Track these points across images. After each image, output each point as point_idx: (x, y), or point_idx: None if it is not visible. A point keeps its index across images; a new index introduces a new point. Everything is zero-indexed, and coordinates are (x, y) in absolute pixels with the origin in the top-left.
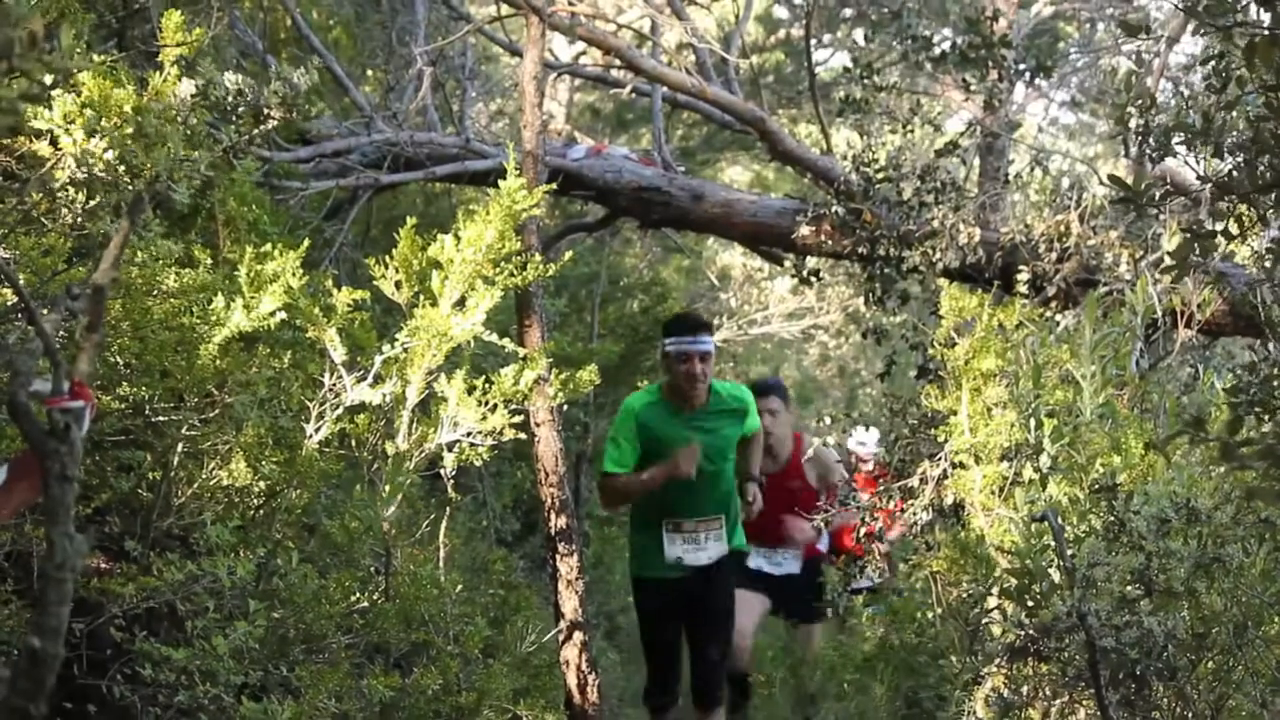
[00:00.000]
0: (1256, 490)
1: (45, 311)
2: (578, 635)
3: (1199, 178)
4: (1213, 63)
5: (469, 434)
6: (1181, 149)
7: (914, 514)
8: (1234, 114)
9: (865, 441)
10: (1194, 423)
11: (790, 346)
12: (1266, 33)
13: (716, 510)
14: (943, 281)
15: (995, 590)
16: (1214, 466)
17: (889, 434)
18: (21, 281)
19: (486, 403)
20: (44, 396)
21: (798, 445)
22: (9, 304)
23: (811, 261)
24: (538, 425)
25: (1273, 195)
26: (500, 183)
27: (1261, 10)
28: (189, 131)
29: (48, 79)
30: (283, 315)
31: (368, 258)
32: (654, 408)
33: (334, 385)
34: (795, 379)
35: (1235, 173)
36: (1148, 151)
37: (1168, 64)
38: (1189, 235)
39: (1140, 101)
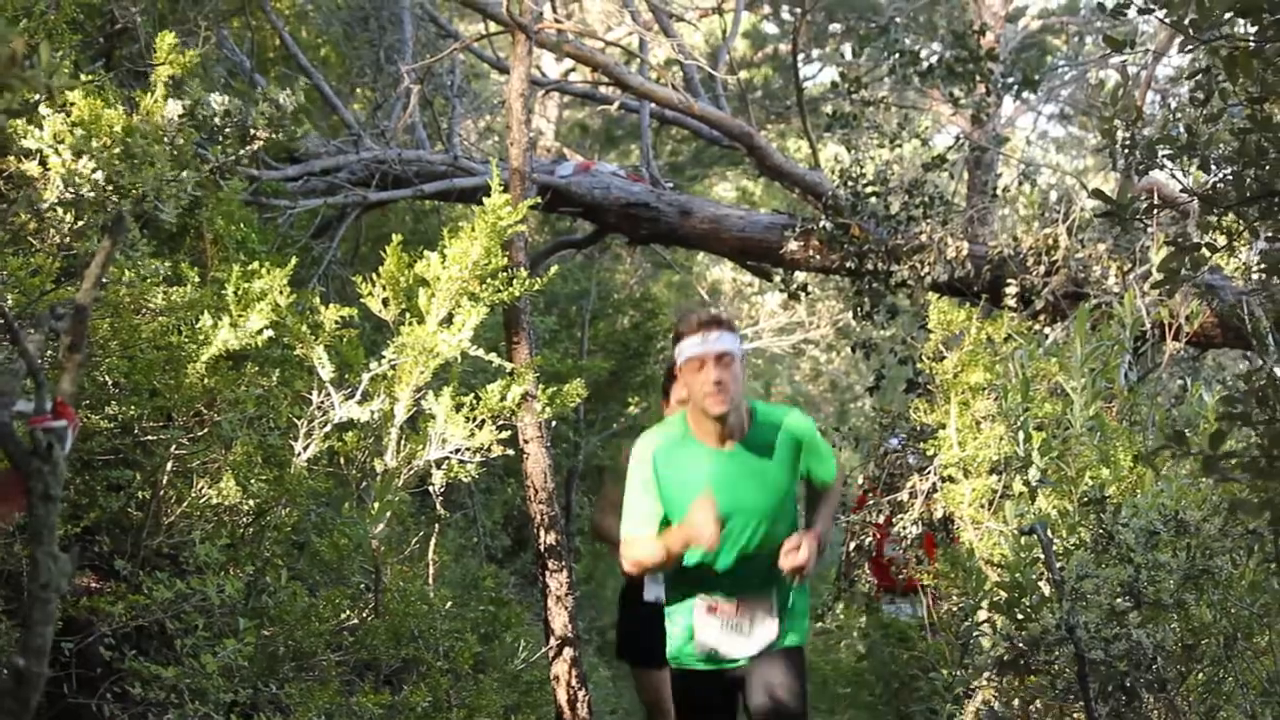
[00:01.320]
0: (1240, 502)
1: (30, 331)
2: (568, 651)
3: (1185, 190)
4: (1198, 76)
5: (457, 451)
6: (1168, 161)
7: (903, 528)
8: (1219, 126)
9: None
10: (1176, 436)
11: (781, 361)
12: (1249, 44)
13: (764, 586)
14: (931, 295)
15: (985, 603)
16: (1202, 479)
17: (878, 448)
18: (10, 301)
19: (474, 419)
20: (27, 416)
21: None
22: None
23: (800, 276)
24: (526, 442)
25: (1259, 207)
26: (485, 200)
27: (1248, 24)
28: (176, 151)
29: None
30: (271, 333)
31: (356, 275)
32: (675, 445)
33: (322, 403)
34: (787, 394)
35: (1222, 185)
36: (1134, 164)
37: (1155, 77)
38: (1176, 248)
39: (1127, 115)
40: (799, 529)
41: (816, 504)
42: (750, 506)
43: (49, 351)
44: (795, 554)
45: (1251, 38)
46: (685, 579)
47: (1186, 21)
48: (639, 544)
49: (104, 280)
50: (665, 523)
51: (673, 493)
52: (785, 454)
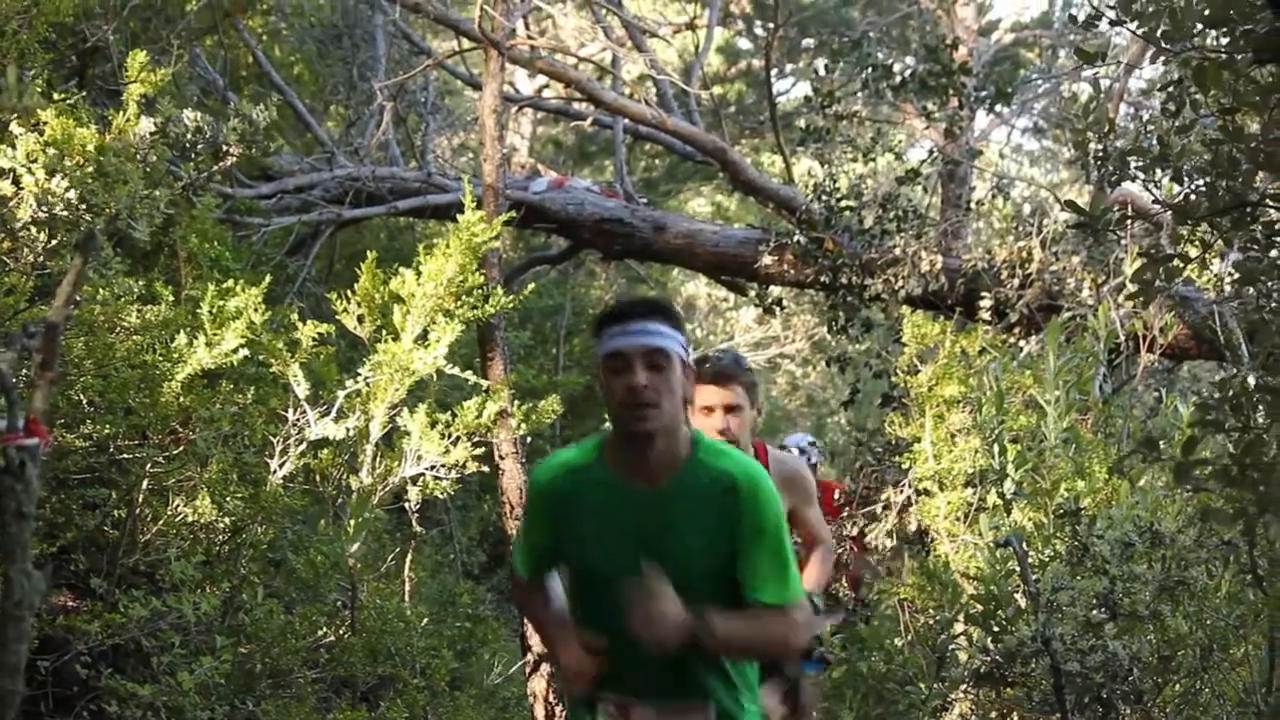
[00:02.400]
0: (1213, 511)
1: (2, 350)
2: (545, 667)
3: (1156, 201)
4: (1170, 88)
5: (433, 467)
6: (1140, 173)
7: (878, 540)
8: (1191, 138)
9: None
10: (1147, 443)
11: (757, 376)
12: (1220, 56)
13: (699, 687)
14: (905, 309)
15: (961, 616)
16: (1176, 490)
17: (854, 462)
18: None
19: (450, 436)
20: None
21: (761, 459)
22: None
23: (775, 291)
24: (502, 458)
25: (1231, 218)
26: (460, 216)
27: (1219, 36)
28: (149, 169)
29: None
30: (246, 351)
31: (331, 293)
32: (582, 478)
33: (298, 420)
34: (764, 408)
35: (1194, 196)
36: (1107, 176)
37: (1128, 90)
38: (1149, 259)
39: (1099, 127)
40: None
41: (744, 619)
42: (673, 576)
43: (21, 370)
44: (654, 612)
45: (1222, 49)
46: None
47: (1158, 33)
48: (521, 596)
49: (77, 298)
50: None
51: (572, 544)
52: (715, 522)
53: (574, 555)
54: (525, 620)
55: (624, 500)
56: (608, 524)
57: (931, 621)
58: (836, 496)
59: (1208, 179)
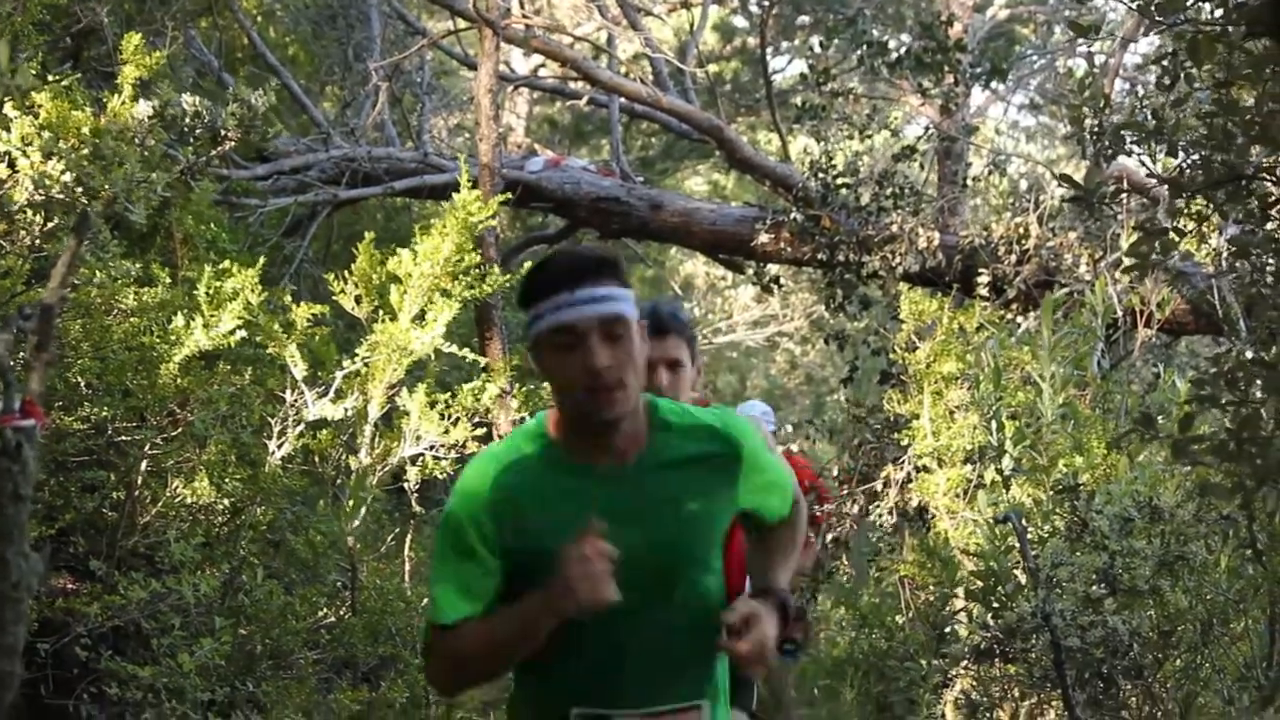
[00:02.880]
0: (1211, 486)
1: None
2: None
3: (1151, 175)
4: (1164, 61)
5: (432, 447)
6: (1135, 147)
7: (879, 517)
8: (1185, 111)
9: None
10: (1144, 420)
11: (757, 355)
12: (1215, 29)
13: (692, 685)
14: (903, 286)
15: (961, 592)
16: (1175, 465)
17: (853, 439)
18: None
19: (449, 416)
20: None
21: None
22: None
23: (772, 269)
24: (500, 438)
25: (1226, 191)
26: (456, 196)
27: (1214, 9)
28: (145, 152)
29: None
30: (243, 333)
31: (328, 273)
32: (533, 469)
33: (295, 401)
34: (763, 387)
35: (1189, 170)
36: (1102, 151)
37: (1123, 65)
38: (1144, 232)
39: (1094, 102)
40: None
41: (767, 551)
42: (660, 558)
43: (18, 352)
44: (749, 632)
45: (1216, 22)
46: (551, 683)
47: (1152, 7)
48: (453, 646)
49: (73, 281)
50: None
51: (532, 556)
52: (710, 477)
53: (537, 569)
54: (460, 676)
55: (593, 485)
56: (578, 515)
57: (931, 598)
58: (812, 484)
59: (1202, 153)
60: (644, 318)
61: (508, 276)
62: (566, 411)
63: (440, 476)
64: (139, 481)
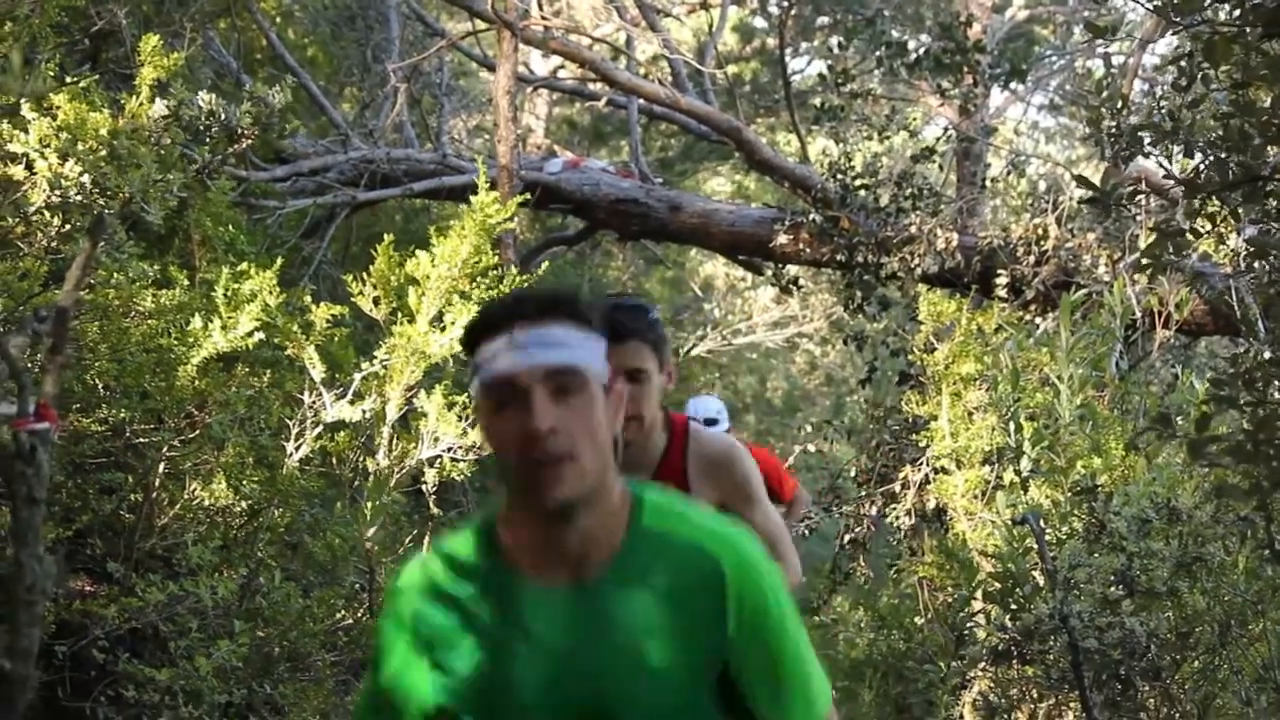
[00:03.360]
0: (1228, 487)
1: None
2: None
3: (1168, 176)
4: (1180, 62)
5: (450, 449)
6: (1151, 148)
7: (896, 518)
8: (1202, 112)
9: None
10: (1161, 419)
11: (776, 356)
12: (1233, 30)
13: None
14: (922, 287)
15: (979, 594)
16: (1193, 466)
17: (871, 441)
18: None
19: (467, 417)
20: (10, 418)
21: (677, 441)
22: None
23: (791, 270)
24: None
25: (1243, 192)
26: (474, 197)
27: (1231, 11)
28: (162, 153)
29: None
30: (261, 334)
31: (347, 275)
32: (467, 579)
33: (313, 403)
34: (784, 388)
35: (1206, 170)
36: (1119, 152)
37: (1143, 65)
38: (1160, 233)
39: (1112, 103)
40: None
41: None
42: (640, 714)
43: (35, 355)
44: None
45: (1233, 23)
46: None
47: (1169, 8)
48: None
49: (89, 282)
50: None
51: (456, 685)
52: (688, 625)
53: (462, 703)
54: None
55: (535, 610)
56: (511, 649)
57: (950, 599)
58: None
59: (1219, 153)
60: (602, 317)
61: (526, 278)
62: (510, 498)
63: (458, 478)
64: (157, 483)
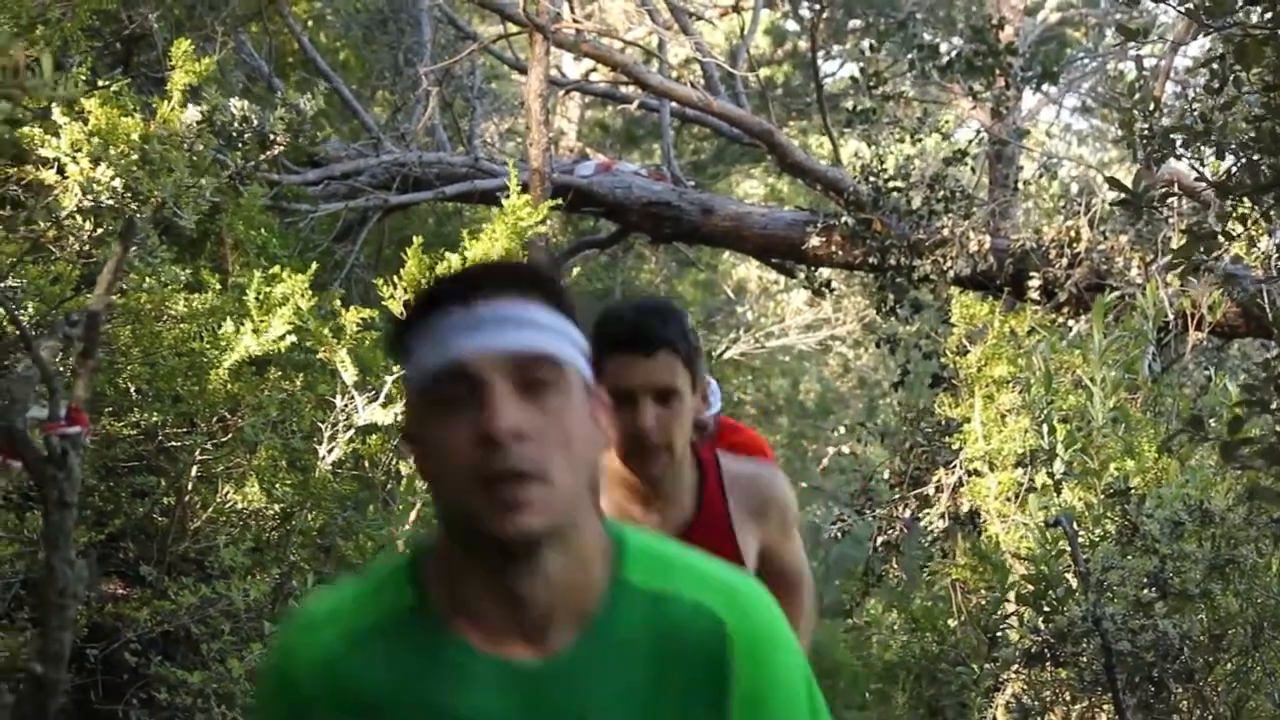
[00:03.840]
0: (1261, 489)
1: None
2: None
3: (1199, 178)
4: (1212, 64)
5: None
6: (1183, 150)
7: (929, 521)
8: (1234, 114)
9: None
10: (1193, 422)
11: (810, 358)
12: (1264, 32)
13: None
14: (954, 289)
15: (1012, 596)
16: (1226, 468)
17: (904, 443)
18: (30, 309)
19: None
20: (42, 423)
21: (710, 477)
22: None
23: (824, 273)
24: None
25: (1275, 194)
26: (505, 200)
27: (1263, 13)
28: (195, 157)
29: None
30: (293, 338)
31: (379, 278)
32: (387, 650)
33: (345, 406)
34: (817, 390)
35: (1237, 172)
36: (1151, 154)
37: (1175, 67)
38: (1191, 235)
39: (1144, 105)
40: None
41: None
42: None
43: (67, 359)
44: None
45: (1264, 25)
46: None
47: (1201, 10)
48: None
49: (121, 286)
50: None
51: None
52: (683, 711)
53: None
54: None
55: (481, 693)
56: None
57: (983, 602)
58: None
59: (1250, 156)
60: (618, 326)
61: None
62: (451, 534)
63: None
64: (189, 487)
